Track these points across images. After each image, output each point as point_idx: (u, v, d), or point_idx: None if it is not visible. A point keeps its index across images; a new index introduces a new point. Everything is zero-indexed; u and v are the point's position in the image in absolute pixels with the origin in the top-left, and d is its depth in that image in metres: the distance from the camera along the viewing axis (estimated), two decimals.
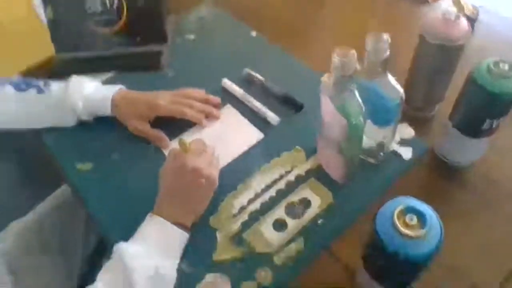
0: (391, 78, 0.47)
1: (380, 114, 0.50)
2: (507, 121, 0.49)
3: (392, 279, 0.38)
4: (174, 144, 0.61)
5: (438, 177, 0.56)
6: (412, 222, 0.33)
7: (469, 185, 0.55)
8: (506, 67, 0.45)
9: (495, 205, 0.52)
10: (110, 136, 0.64)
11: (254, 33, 0.80)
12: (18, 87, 0.63)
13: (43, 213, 0.73)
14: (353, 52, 0.42)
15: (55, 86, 0.64)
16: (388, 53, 0.43)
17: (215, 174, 0.53)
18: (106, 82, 0.72)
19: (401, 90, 0.47)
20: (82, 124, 0.65)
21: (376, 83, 0.47)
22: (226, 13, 0.85)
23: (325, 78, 0.48)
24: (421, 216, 0.34)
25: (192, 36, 0.81)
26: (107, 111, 0.63)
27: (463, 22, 0.51)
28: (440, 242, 0.33)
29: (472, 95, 0.48)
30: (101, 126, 0.65)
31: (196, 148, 0.54)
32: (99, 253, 0.78)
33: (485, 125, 0.48)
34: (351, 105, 0.45)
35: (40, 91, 0.63)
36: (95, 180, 0.59)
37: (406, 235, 0.33)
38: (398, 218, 0.34)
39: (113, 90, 0.63)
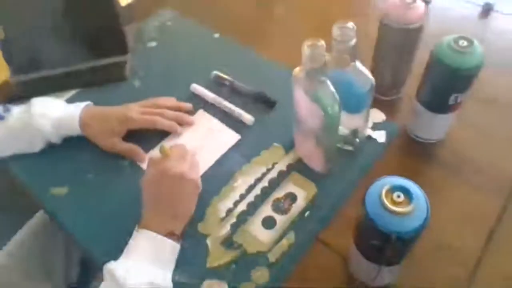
0: (360, 66, 0.48)
1: (352, 102, 0.51)
2: (471, 95, 0.51)
3: (385, 257, 0.39)
4: (150, 157, 0.60)
5: (411, 155, 0.58)
6: (399, 199, 0.34)
7: (440, 160, 0.57)
8: (465, 43, 0.47)
9: (466, 177, 0.55)
10: (83, 156, 0.61)
11: (217, 35, 0.79)
12: None
13: (22, 242, 0.70)
14: (322, 42, 0.43)
15: (17, 110, 0.61)
16: (355, 40, 0.45)
17: (197, 177, 0.53)
18: (71, 100, 0.70)
19: (371, 76, 0.48)
20: (49, 147, 0.62)
21: (346, 71, 0.48)
22: (186, 17, 0.84)
23: (296, 71, 0.48)
24: (407, 193, 0.35)
25: (154, 43, 0.79)
26: (76, 130, 0.60)
27: (420, 5, 0.53)
28: (427, 215, 0.35)
29: (436, 72, 0.50)
30: (70, 147, 0.62)
31: (177, 153, 0.53)
32: (84, 273, 0.75)
33: (451, 100, 0.51)
34: (325, 95, 0.46)
35: (0, 117, 0.60)
36: (73, 203, 0.56)
37: (396, 212, 0.34)
38: (386, 197, 0.35)
39: (80, 107, 0.61)
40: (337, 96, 0.46)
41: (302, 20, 0.82)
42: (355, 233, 0.42)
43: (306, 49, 0.42)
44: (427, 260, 0.47)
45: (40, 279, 0.69)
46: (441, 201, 0.52)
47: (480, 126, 0.60)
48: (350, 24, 0.44)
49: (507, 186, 0.53)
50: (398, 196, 0.34)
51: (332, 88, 0.46)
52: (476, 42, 0.47)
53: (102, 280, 0.45)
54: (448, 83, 0.49)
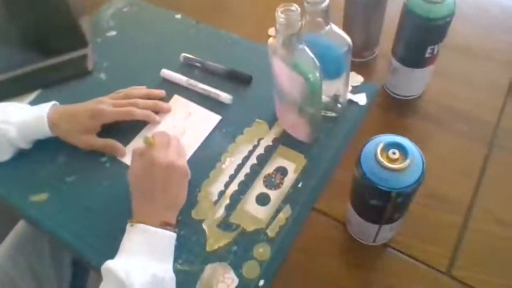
0: (335, 27, 0.47)
1: (331, 65, 0.50)
2: (445, 45, 0.52)
3: (385, 216, 0.39)
4: (130, 149, 0.58)
5: (393, 113, 0.59)
6: (395, 156, 0.34)
7: (422, 113, 0.58)
8: None
9: (449, 127, 0.56)
10: (59, 158, 0.58)
11: (178, 16, 0.76)
12: None
13: (7, 256, 0.67)
14: (296, 7, 0.41)
15: None
16: (327, 2, 0.43)
17: (185, 163, 0.51)
18: (34, 102, 0.65)
19: (347, 37, 0.47)
20: (20, 153, 0.58)
21: (321, 35, 0.47)
22: (142, 0, 0.80)
23: (271, 40, 0.47)
24: (402, 149, 0.35)
25: (113, 33, 0.75)
26: (45, 132, 0.57)
27: None
28: (423, 168, 0.35)
29: (409, 25, 0.50)
30: (44, 150, 0.59)
31: (161, 141, 0.51)
32: (79, 272, 0.73)
33: (427, 53, 0.51)
34: (305, 62, 0.45)
35: None
36: (55, 208, 0.54)
37: (393, 169, 0.34)
38: (381, 155, 0.35)
39: (46, 108, 0.57)
40: (317, 62, 0.45)
41: None
42: (352, 196, 0.41)
43: (280, 15, 0.41)
44: (421, 211, 0.48)
45: None
46: (428, 152, 0.52)
47: (457, 75, 0.61)
48: None
49: (488, 132, 0.55)
50: (394, 153, 0.34)
51: (311, 54, 0.45)
52: None
53: (96, 278, 0.44)
54: (422, 35, 0.49)
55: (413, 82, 0.56)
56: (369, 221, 0.41)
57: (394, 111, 0.59)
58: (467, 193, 0.50)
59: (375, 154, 0.34)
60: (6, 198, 0.56)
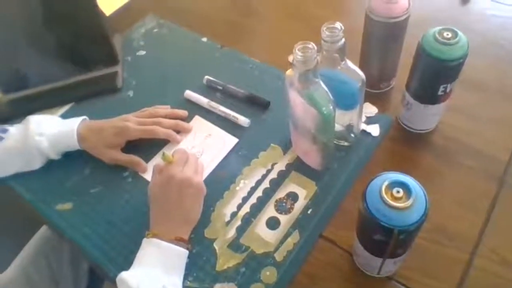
0: (350, 63, 0.49)
1: (345, 99, 0.52)
2: (459, 81, 0.53)
3: (388, 251, 0.40)
4: (151, 166, 0.61)
5: (406, 145, 0.60)
6: (399, 194, 0.36)
7: (434, 147, 0.59)
8: (450, 34, 0.48)
9: (459, 162, 0.57)
10: (84, 170, 0.62)
11: (204, 39, 0.80)
12: None
13: (28, 258, 0.71)
14: (313, 45, 0.44)
15: (14, 130, 0.61)
16: (343, 40, 0.46)
17: (202, 181, 0.54)
18: (65, 115, 0.70)
19: (361, 73, 0.49)
20: (50, 163, 0.63)
21: (337, 70, 0.49)
22: (172, 22, 0.84)
23: (289, 72, 0.49)
24: (406, 188, 0.36)
25: (143, 52, 0.80)
26: (75, 145, 0.61)
27: (403, 0, 0.54)
28: (426, 208, 0.36)
29: (423, 64, 0.51)
30: (71, 162, 0.63)
31: (180, 157, 0.54)
32: (94, 281, 0.76)
33: (440, 91, 0.52)
34: (319, 96, 0.47)
35: None
36: (78, 219, 0.57)
37: (396, 207, 0.35)
38: (386, 193, 0.36)
39: (76, 122, 0.62)
40: (330, 96, 0.47)
41: (284, 16, 0.83)
42: (357, 228, 0.43)
43: (297, 53, 0.43)
44: (426, 245, 0.49)
45: None
46: (437, 187, 0.54)
47: (470, 110, 0.62)
48: (338, 24, 0.45)
49: (499, 169, 0.55)
50: (398, 192, 0.36)
51: (325, 88, 0.47)
52: (460, 33, 0.49)
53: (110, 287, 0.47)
54: (436, 75, 0.51)
55: (426, 117, 0.58)
56: (373, 254, 0.42)
57: (406, 143, 0.60)
58: (474, 230, 0.50)
59: (380, 192, 0.36)
60: (34, 205, 0.60)
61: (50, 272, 0.72)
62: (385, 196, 0.36)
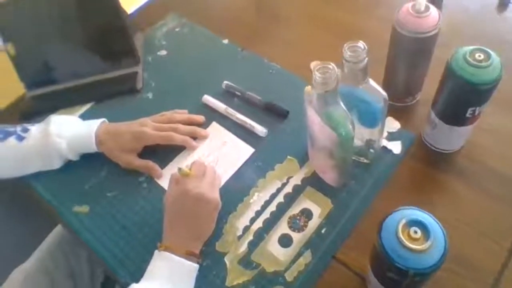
0: (373, 82, 0.47)
1: (366, 118, 0.50)
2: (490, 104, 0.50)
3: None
4: (166, 172, 0.61)
5: (428, 165, 0.58)
6: (416, 235, 0.34)
7: (458, 169, 0.56)
8: (482, 56, 0.45)
9: (485, 187, 0.54)
10: (102, 173, 0.63)
11: (226, 41, 0.78)
12: None
13: (47, 251, 0.73)
14: (333, 66, 0.42)
15: (35, 130, 0.62)
16: (366, 60, 0.43)
17: (217, 196, 0.54)
18: (85, 114, 0.71)
19: (384, 93, 0.47)
20: (69, 164, 0.64)
21: (358, 88, 0.47)
22: (193, 22, 0.83)
23: (308, 89, 0.48)
24: (424, 228, 0.34)
25: (164, 52, 0.79)
26: (93, 148, 0.62)
27: (434, 14, 0.51)
28: (445, 251, 0.34)
29: (451, 86, 0.48)
30: (90, 163, 0.63)
31: (198, 170, 0.54)
32: (108, 281, 0.78)
33: (468, 114, 0.49)
34: (338, 116, 0.45)
35: (19, 138, 0.61)
36: (94, 223, 0.58)
37: (413, 249, 0.34)
38: (403, 232, 0.35)
39: (95, 125, 0.62)
40: (350, 116, 0.45)
41: (309, 21, 0.81)
42: (371, 260, 0.42)
43: (316, 74, 0.41)
44: (443, 275, 0.47)
45: (67, 287, 0.72)
46: (459, 213, 0.52)
47: (500, 132, 0.58)
48: (361, 44, 0.43)
49: None
50: (415, 232, 0.34)
51: (344, 108, 0.45)
52: (493, 54, 0.45)
53: None
54: (465, 98, 0.48)
55: (451, 138, 0.55)
56: (385, 287, 0.41)
57: (428, 162, 0.58)
58: (496, 263, 0.48)
59: (396, 230, 0.35)
60: (53, 206, 0.61)
61: (68, 266, 0.74)
62: (401, 236, 0.34)
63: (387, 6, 0.80)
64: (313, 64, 0.72)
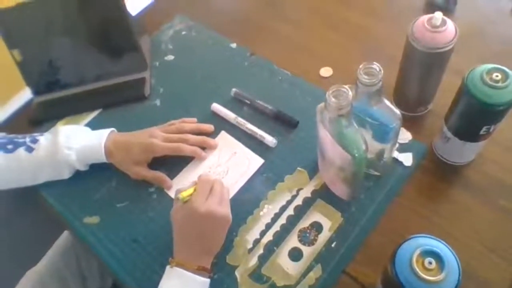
0: (387, 102, 0.46)
1: (379, 134, 0.50)
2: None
3: None
4: (176, 182, 0.61)
5: (439, 178, 0.57)
6: (431, 266, 0.34)
7: (470, 182, 0.56)
8: (499, 76, 0.44)
9: (497, 202, 0.54)
10: (112, 183, 0.63)
11: (234, 45, 0.77)
12: (5, 149, 0.61)
13: (59, 252, 0.74)
14: (347, 89, 0.41)
15: (44, 141, 0.62)
16: (381, 83, 0.43)
17: (227, 211, 0.53)
18: (93, 121, 0.71)
19: (398, 112, 0.47)
20: (79, 174, 0.64)
21: (372, 108, 0.46)
22: (200, 24, 0.82)
23: (321, 107, 0.47)
24: (439, 258, 0.35)
25: (171, 57, 0.78)
26: (102, 159, 0.62)
27: (450, 28, 0.50)
28: (459, 281, 0.34)
29: (467, 105, 0.48)
30: (99, 174, 0.64)
31: (203, 187, 0.53)
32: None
33: (483, 131, 0.49)
34: (351, 138, 0.45)
35: (28, 149, 0.61)
36: (105, 235, 0.58)
37: (427, 280, 0.34)
38: (417, 261, 0.35)
39: (104, 136, 0.62)
40: (364, 137, 0.45)
41: (319, 21, 0.79)
42: (383, 282, 0.42)
43: (330, 98, 0.41)
44: None
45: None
46: (468, 228, 0.52)
47: (511, 146, 0.58)
48: (376, 66, 0.42)
49: None
50: (430, 263, 0.34)
51: (357, 128, 0.45)
52: (511, 74, 0.45)
53: None
54: (480, 117, 0.47)
55: (464, 152, 0.55)
56: None
57: (439, 175, 0.57)
58: (505, 281, 0.48)
59: (411, 260, 0.35)
60: (63, 216, 0.62)
61: (79, 267, 0.75)
62: (415, 266, 0.34)
63: (400, 7, 0.78)
64: (323, 71, 0.71)
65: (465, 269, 0.47)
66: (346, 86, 0.41)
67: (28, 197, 0.75)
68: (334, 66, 0.71)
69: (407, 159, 0.58)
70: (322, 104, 0.47)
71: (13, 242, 0.90)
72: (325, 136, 0.48)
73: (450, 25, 0.51)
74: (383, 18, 0.78)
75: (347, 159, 0.46)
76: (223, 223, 0.53)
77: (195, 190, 0.52)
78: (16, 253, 0.84)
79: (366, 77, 0.42)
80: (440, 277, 0.34)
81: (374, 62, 0.42)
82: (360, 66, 0.43)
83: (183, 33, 0.81)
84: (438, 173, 0.58)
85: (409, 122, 0.61)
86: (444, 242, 0.36)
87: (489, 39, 0.69)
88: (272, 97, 0.67)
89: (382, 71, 0.42)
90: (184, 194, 0.51)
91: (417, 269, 0.34)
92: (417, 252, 0.35)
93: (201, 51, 0.78)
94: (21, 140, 0.62)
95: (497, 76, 0.44)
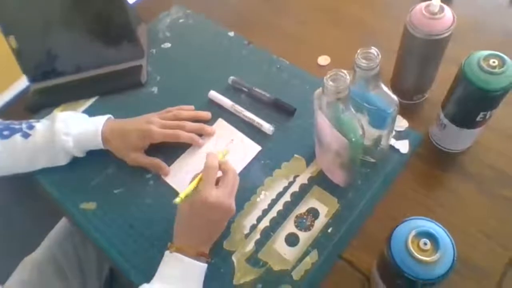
0: (384, 87, 0.47)
1: (376, 120, 0.50)
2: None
3: None
4: (173, 169, 0.61)
5: (435, 165, 0.58)
6: (426, 247, 0.35)
7: (467, 171, 0.56)
8: (496, 61, 0.45)
9: (493, 190, 0.54)
10: (109, 170, 0.63)
11: (231, 33, 0.77)
12: (0, 135, 0.61)
13: (56, 240, 0.74)
14: (345, 73, 0.41)
15: (40, 127, 0.62)
16: (378, 67, 0.43)
17: (233, 204, 0.52)
18: (90, 108, 0.71)
19: (395, 98, 0.47)
20: (76, 160, 0.64)
21: (370, 93, 0.47)
22: (197, 12, 0.81)
23: (319, 92, 0.47)
24: (433, 239, 0.35)
25: (168, 45, 0.78)
26: (99, 145, 0.62)
27: (448, 13, 0.50)
28: (454, 261, 0.35)
29: (463, 91, 0.48)
30: (95, 160, 0.63)
31: (210, 175, 0.51)
32: (113, 277, 0.79)
33: (479, 117, 0.49)
34: (348, 122, 0.45)
35: (25, 135, 0.61)
36: (101, 220, 0.59)
37: (422, 261, 0.34)
38: (412, 243, 0.35)
39: (101, 122, 0.62)
40: (361, 122, 0.45)
41: (315, 14, 0.79)
42: (379, 266, 0.42)
43: (328, 82, 0.41)
44: (449, 279, 0.48)
45: (74, 277, 0.73)
46: (465, 214, 0.53)
47: (507, 134, 0.58)
48: (374, 51, 0.42)
49: None
50: (425, 244, 0.35)
51: (355, 114, 0.45)
52: (508, 60, 0.45)
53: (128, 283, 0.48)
54: (477, 103, 0.48)
55: (460, 139, 0.55)
56: None
57: (435, 162, 0.58)
58: (500, 266, 0.49)
59: (406, 241, 0.35)
60: (60, 202, 0.62)
61: (76, 255, 0.75)
62: (411, 247, 0.35)
63: (399, 2, 0.78)
64: (321, 59, 0.71)
65: (460, 255, 0.48)
66: (344, 71, 0.41)
67: (25, 188, 0.75)
68: (332, 55, 0.71)
69: (403, 146, 0.59)
70: (319, 90, 0.47)
71: (10, 231, 0.90)
72: (322, 121, 0.48)
73: (448, 13, 0.51)
74: (381, 9, 0.78)
75: (344, 144, 0.46)
76: (228, 215, 0.53)
77: (200, 179, 0.51)
78: (12, 242, 0.84)
79: (364, 61, 0.42)
80: (434, 257, 0.34)
81: (372, 47, 0.42)
82: (358, 51, 0.43)
83: (181, 21, 0.81)
84: (434, 160, 0.58)
85: (405, 110, 0.61)
86: (439, 224, 0.36)
87: (486, 30, 0.69)
88: (269, 86, 0.67)
89: (380, 56, 0.42)
90: (182, 196, 0.49)
91: (413, 250, 0.35)
92: (413, 233, 0.35)
93: (199, 39, 0.78)
94: (17, 126, 0.62)
95: (494, 62, 0.45)
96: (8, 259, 0.73)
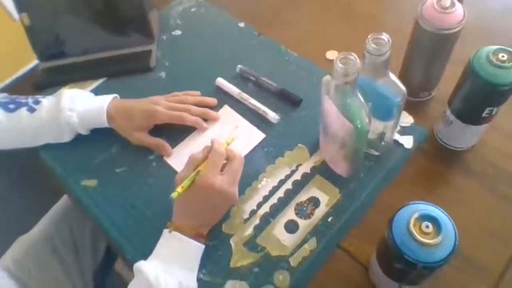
0: (393, 76, 0.47)
1: (382, 111, 0.50)
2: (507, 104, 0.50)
3: (408, 279, 0.39)
4: (176, 151, 0.61)
5: (439, 162, 0.58)
6: (428, 229, 0.35)
7: (470, 168, 0.56)
8: (505, 56, 0.45)
9: (496, 188, 0.54)
10: (112, 148, 0.63)
11: (242, 24, 0.78)
12: (6, 108, 0.61)
13: (52, 220, 0.74)
14: (355, 57, 0.41)
15: (46, 102, 0.62)
16: (389, 54, 0.43)
17: (237, 192, 0.52)
18: (97, 89, 0.71)
19: (403, 87, 0.47)
20: (79, 138, 0.64)
21: (377, 82, 0.47)
22: (210, 2, 0.82)
23: (327, 79, 0.47)
24: (436, 223, 0.35)
25: (179, 32, 0.78)
26: (104, 123, 0.62)
27: (459, 10, 0.50)
28: (455, 245, 0.35)
29: (471, 85, 0.48)
30: (101, 138, 0.63)
31: (217, 160, 0.50)
32: (108, 258, 0.79)
33: (485, 113, 0.49)
34: (355, 108, 0.45)
35: (31, 109, 0.61)
36: (102, 197, 0.59)
37: (424, 243, 0.34)
38: (414, 225, 0.35)
39: (107, 101, 0.62)
40: (367, 109, 0.45)
41: (326, 8, 0.80)
42: (378, 250, 0.42)
43: (338, 64, 0.41)
44: (448, 271, 0.48)
45: (69, 259, 0.73)
46: (467, 212, 0.52)
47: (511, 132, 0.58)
48: (385, 36, 0.43)
49: None
50: (427, 227, 0.35)
51: (362, 100, 0.45)
52: None
53: (121, 266, 0.47)
54: (483, 97, 0.48)
55: (465, 136, 0.55)
56: (392, 279, 0.41)
57: (439, 159, 0.58)
58: (501, 262, 0.48)
59: (408, 224, 0.35)
60: (62, 178, 0.62)
61: (71, 237, 0.75)
62: (413, 230, 0.35)
63: None
64: (329, 54, 0.71)
65: (461, 251, 0.48)
66: (354, 54, 0.42)
67: (24, 164, 0.75)
68: (340, 50, 0.70)
69: (407, 141, 0.59)
70: (327, 76, 0.47)
71: (6, 213, 0.90)
72: (329, 107, 0.48)
73: (459, 8, 0.51)
74: (392, 5, 0.79)
75: (350, 130, 0.46)
76: (230, 203, 0.53)
77: (206, 165, 0.51)
78: (9, 218, 0.84)
79: (374, 46, 0.42)
80: (436, 240, 0.34)
81: (383, 33, 0.43)
82: (369, 36, 0.43)
83: (193, 9, 0.82)
84: (438, 157, 0.58)
85: (411, 108, 0.62)
86: (441, 209, 0.36)
87: (495, 32, 0.69)
88: (277, 76, 0.67)
89: (390, 41, 0.42)
90: (180, 190, 0.49)
91: (414, 232, 0.35)
92: (415, 216, 0.35)
93: (209, 28, 0.78)
94: (23, 101, 0.62)
95: (503, 56, 0.45)
96: (2, 239, 0.73)
